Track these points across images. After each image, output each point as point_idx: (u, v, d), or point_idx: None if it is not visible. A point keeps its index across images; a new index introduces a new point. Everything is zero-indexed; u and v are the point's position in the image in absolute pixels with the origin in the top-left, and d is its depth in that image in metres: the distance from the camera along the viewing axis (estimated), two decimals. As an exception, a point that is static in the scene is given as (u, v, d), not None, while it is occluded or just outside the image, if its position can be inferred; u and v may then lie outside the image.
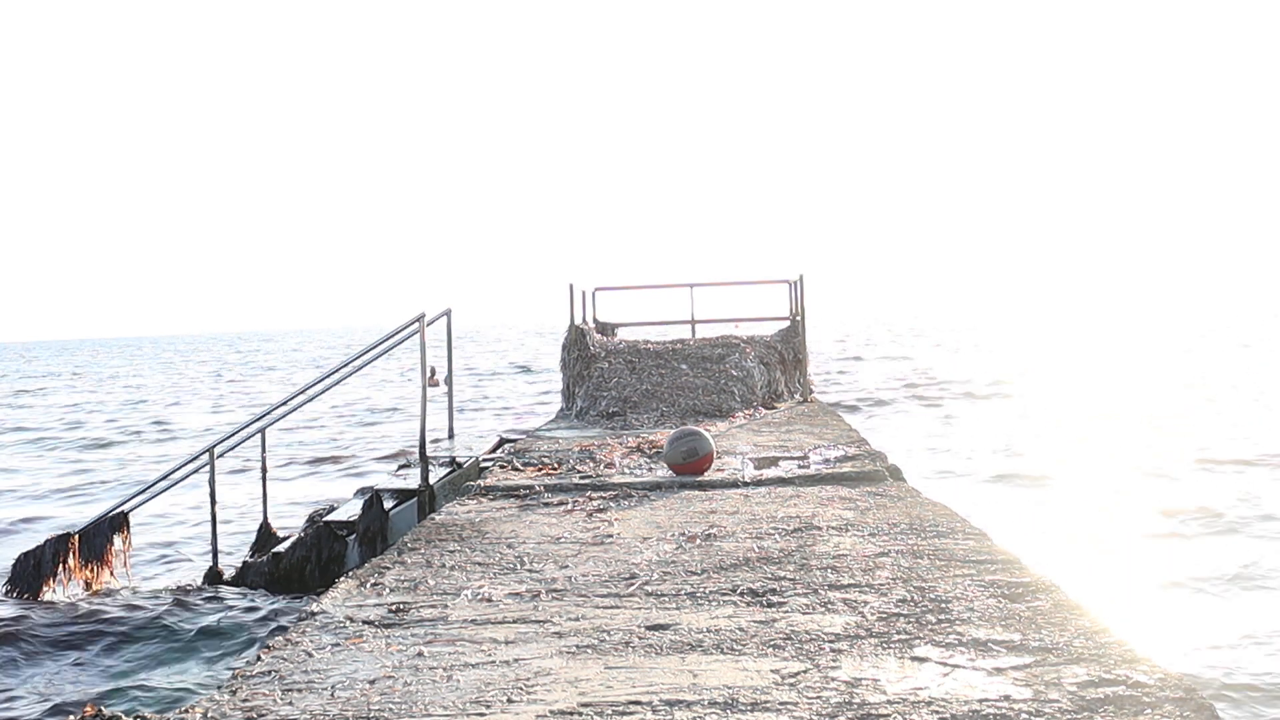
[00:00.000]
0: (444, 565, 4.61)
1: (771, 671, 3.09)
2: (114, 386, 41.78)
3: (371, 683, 3.14)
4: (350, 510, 7.66)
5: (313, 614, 3.92)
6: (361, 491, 8.09)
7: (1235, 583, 7.52)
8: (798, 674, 3.06)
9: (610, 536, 5.08)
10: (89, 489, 14.55)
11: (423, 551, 4.90)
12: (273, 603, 7.29)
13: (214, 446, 7.78)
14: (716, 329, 12.59)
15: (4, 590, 7.58)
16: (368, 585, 4.31)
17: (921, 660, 3.13)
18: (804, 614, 3.66)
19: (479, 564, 4.63)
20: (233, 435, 8.03)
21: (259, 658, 3.42)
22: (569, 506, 5.93)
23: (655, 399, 10.63)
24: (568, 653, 3.34)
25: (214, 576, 7.68)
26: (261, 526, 8.35)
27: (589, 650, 3.36)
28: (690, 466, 6.75)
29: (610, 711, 2.83)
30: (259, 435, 8.07)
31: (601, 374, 11.11)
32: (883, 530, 4.94)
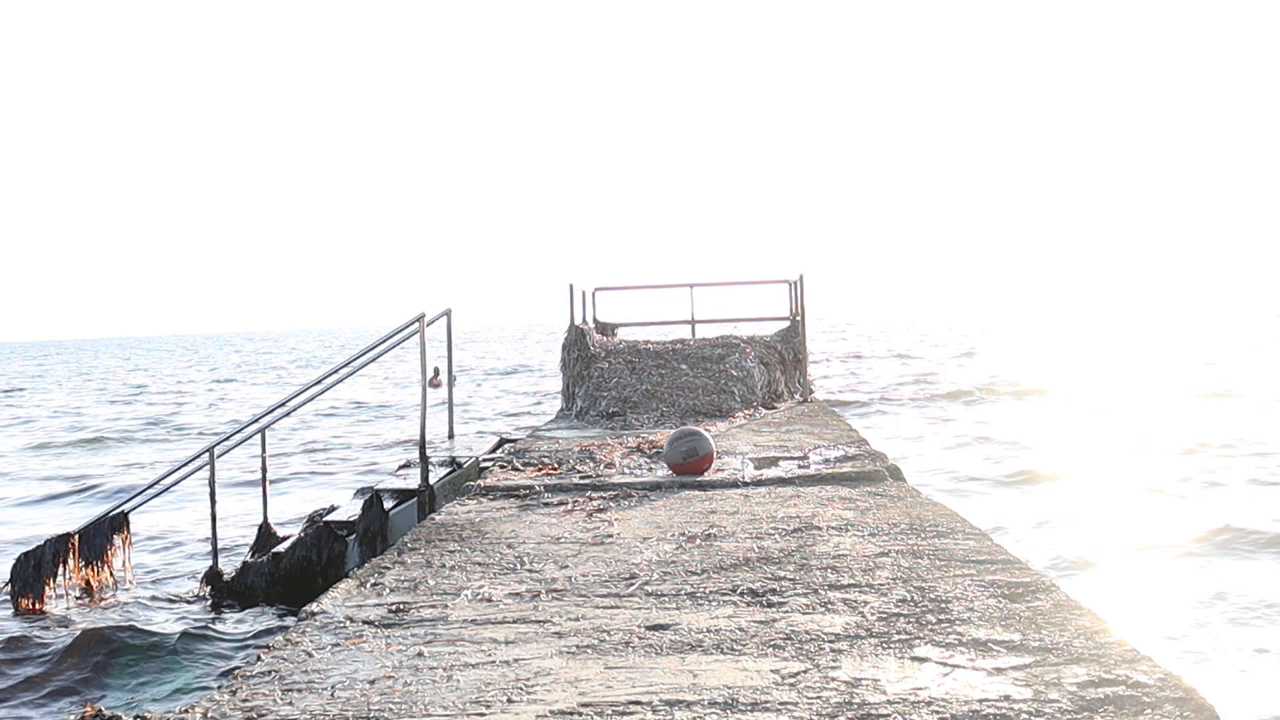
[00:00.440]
0: (444, 565, 4.61)
1: (771, 671, 3.09)
2: (114, 386, 41.78)
3: (371, 683, 3.14)
4: (350, 510, 7.66)
5: (313, 614, 3.92)
6: (361, 491, 8.09)
7: (1239, 582, 7.52)
8: (798, 674, 3.06)
9: (610, 536, 5.08)
10: (90, 489, 14.55)
11: (423, 551, 4.90)
12: (273, 606, 7.30)
13: (214, 446, 7.77)
14: (716, 329, 12.59)
15: (4, 591, 7.58)
16: (368, 585, 4.31)
17: (921, 660, 3.13)
18: (804, 614, 3.66)
19: (479, 564, 4.63)
20: (233, 435, 8.03)
21: (259, 658, 3.42)
22: (569, 506, 5.93)
23: (655, 399, 10.63)
24: (568, 653, 3.34)
25: (214, 576, 7.68)
26: (261, 526, 8.35)
27: (589, 650, 3.36)
28: (690, 466, 6.75)
29: (610, 711, 2.83)
30: (259, 435, 8.07)
31: (601, 374, 11.11)
32: (883, 530, 4.94)
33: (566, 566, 4.50)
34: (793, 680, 3.01)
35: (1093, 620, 3.42)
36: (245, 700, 3.03)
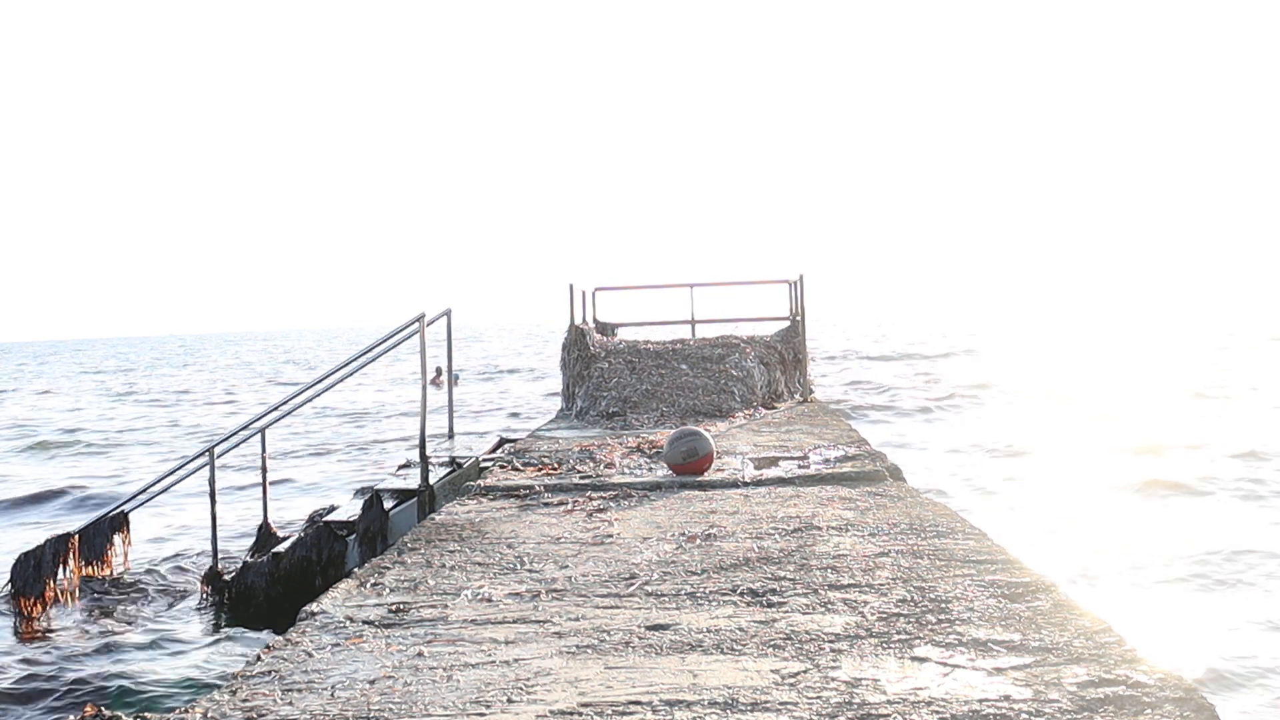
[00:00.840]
0: (444, 565, 4.61)
1: (771, 671, 3.09)
2: (117, 385, 41.79)
3: (371, 683, 3.14)
4: (350, 510, 7.65)
5: (313, 614, 3.92)
6: (361, 491, 8.09)
7: (1237, 580, 7.53)
8: (798, 674, 3.06)
9: (610, 536, 5.08)
10: (86, 490, 14.54)
11: (423, 551, 4.90)
12: (273, 606, 7.29)
13: (214, 446, 7.77)
14: (716, 329, 12.60)
15: (4, 591, 7.58)
16: (368, 585, 4.31)
17: (921, 660, 3.13)
18: (804, 614, 3.66)
19: (479, 564, 4.63)
20: (233, 435, 8.03)
21: (259, 658, 3.43)
22: (569, 506, 5.93)
23: (655, 399, 10.64)
24: (568, 653, 3.34)
25: (214, 576, 7.67)
26: (261, 526, 8.35)
27: (589, 650, 3.36)
28: (690, 466, 6.75)
29: (610, 711, 2.83)
30: (259, 435, 8.07)
31: (601, 374, 11.11)
32: (883, 530, 4.94)
33: (566, 566, 4.50)
34: (793, 680, 3.01)
35: (1093, 620, 3.42)
36: (245, 700, 3.03)
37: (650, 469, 7.14)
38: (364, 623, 3.78)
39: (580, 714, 2.82)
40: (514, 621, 3.72)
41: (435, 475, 7.58)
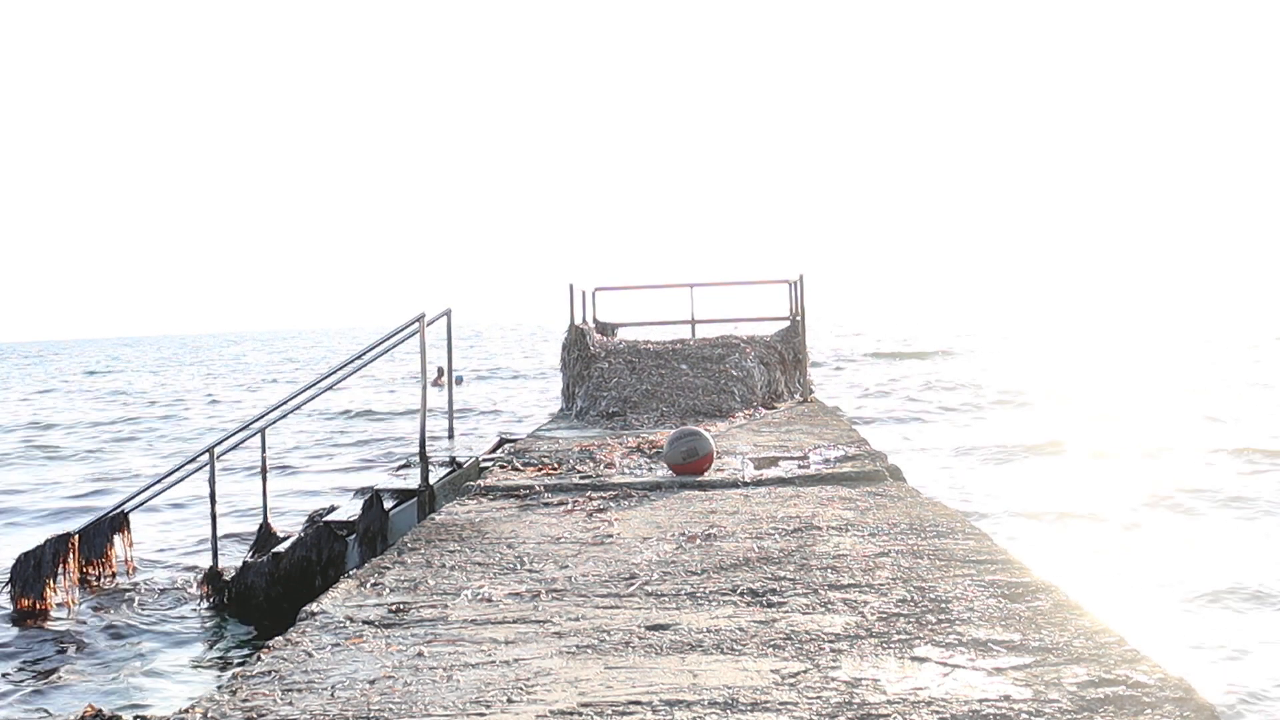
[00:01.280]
0: (444, 565, 4.61)
1: (771, 671, 3.09)
2: (117, 385, 41.80)
3: (371, 683, 3.14)
4: (350, 510, 7.66)
5: (313, 614, 3.92)
6: (361, 491, 8.09)
7: (1239, 580, 7.53)
8: (798, 674, 3.06)
9: (610, 536, 5.08)
10: (86, 490, 14.55)
11: (423, 551, 4.90)
12: (272, 606, 7.29)
13: (214, 446, 7.77)
14: (716, 329, 12.60)
15: (5, 591, 7.58)
16: (368, 585, 4.31)
17: (921, 660, 3.13)
18: (804, 614, 3.66)
19: (479, 564, 4.63)
20: (233, 435, 8.03)
21: (259, 658, 3.43)
22: (569, 506, 5.93)
23: (655, 399, 10.64)
24: (568, 653, 3.34)
25: (214, 576, 7.67)
26: (261, 526, 8.35)
27: (589, 650, 3.36)
28: (690, 466, 6.75)
29: (610, 711, 2.83)
30: (259, 435, 8.07)
31: (601, 374, 11.11)
32: (883, 530, 4.94)
33: (566, 566, 4.50)
34: (793, 680, 3.01)
35: (1093, 620, 3.42)
36: (245, 700, 3.03)
37: (650, 469, 7.14)
38: (364, 623, 3.78)
39: (580, 714, 2.82)
40: (514, 621, 3.72)
41: (435, 475, 7.58)
